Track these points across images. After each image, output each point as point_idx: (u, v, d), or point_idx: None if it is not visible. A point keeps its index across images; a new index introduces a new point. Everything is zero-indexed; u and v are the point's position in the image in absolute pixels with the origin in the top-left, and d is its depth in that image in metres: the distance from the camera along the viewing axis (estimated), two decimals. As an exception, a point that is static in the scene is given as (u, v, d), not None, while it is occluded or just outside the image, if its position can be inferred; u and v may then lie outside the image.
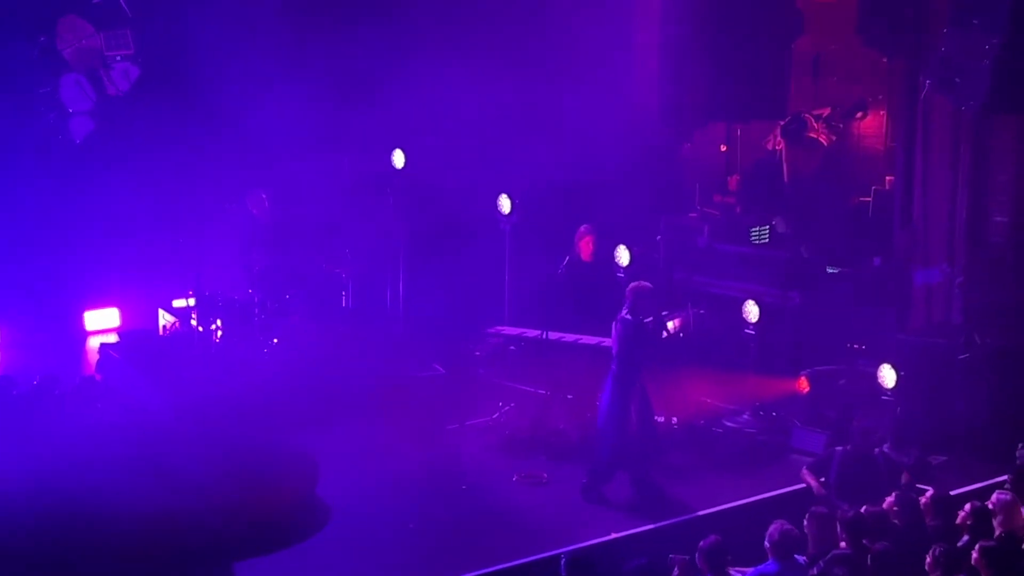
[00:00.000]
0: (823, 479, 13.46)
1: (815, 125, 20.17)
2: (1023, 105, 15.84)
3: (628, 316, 13.92)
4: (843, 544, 10.78)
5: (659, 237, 19.13)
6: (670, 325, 16.18)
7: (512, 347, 16.18)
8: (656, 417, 15.59)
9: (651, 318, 14.26)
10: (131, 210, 18.36)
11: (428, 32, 18.86)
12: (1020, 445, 13.23)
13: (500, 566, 12.38)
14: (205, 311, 17.16)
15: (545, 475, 14.66)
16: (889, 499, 11.51)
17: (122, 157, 18.39)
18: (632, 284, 14.17)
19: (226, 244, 17.71)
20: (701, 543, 10.34)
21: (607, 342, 14.92)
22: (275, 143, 18.32)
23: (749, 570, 10.67)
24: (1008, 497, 11.38)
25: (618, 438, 13.90)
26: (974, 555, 10.04)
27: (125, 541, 12.58)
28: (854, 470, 13.28)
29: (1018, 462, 12.78)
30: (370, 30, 18.85)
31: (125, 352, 17.46)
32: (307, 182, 18.66)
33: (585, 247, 16.13)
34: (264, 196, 17.59)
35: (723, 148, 21.05)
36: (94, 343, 18.37)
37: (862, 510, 11.11)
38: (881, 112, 20.23)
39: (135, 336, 18.16)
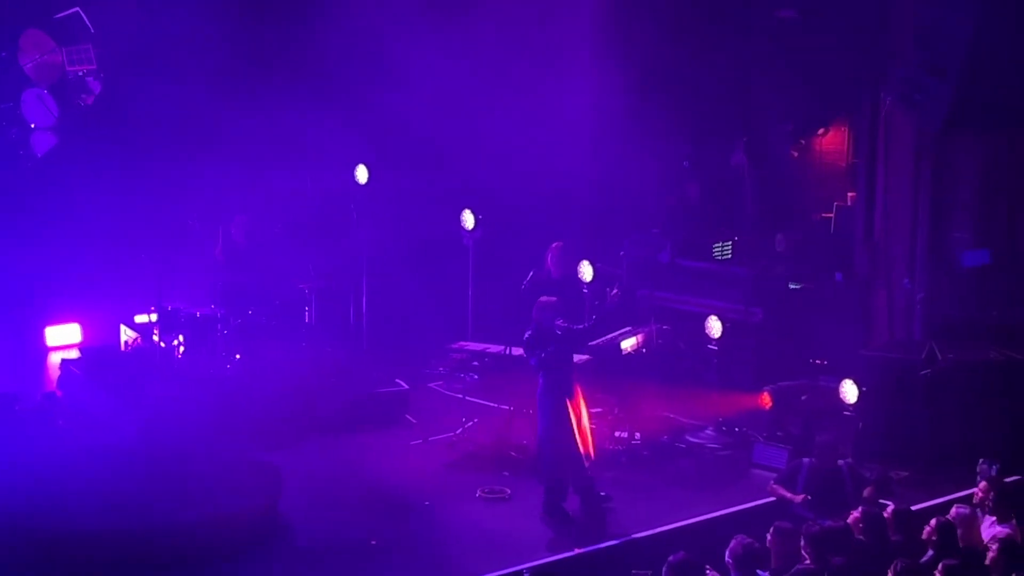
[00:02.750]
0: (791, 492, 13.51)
1: (777, 141, 20.26)
2: (984, 123, 15.95)
3: (528, 334, 13.97)
4: (807, 559, 10.79)
5: (622, 253, 19.17)
6: (630, 343, 16.19)
7: (475, 363, 16.16)
8: (619, 432, 15.65)
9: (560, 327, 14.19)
10: (92, 226, 18.30)
11: (392, 45, 18.86)
12: (981, 461, 13.32)
13: (463, 582, 12.40)
14: (167, 327, 17.11)
15: (508, 491, 14.65)
16: (855, 513, 11.54)
17: (83, 173, 18.32)
18: (538, 300, 14.18)
19: (189, 260, 17.67)
20: (670, 558, 10.32)
21: (576, 358, 14.91)
22: (238, 158, 18.29)
23: (711, 585, 10.69)
24: (967, 511, 11.44)
25: (559, 450, 13.88)
26: (938, 574, 10.07)
27: (84, 555, 12.55)
28: (820, 482, 13.32)
29: (980, 477, 12.85)
30: (334, 44, 18.84)
31: (87, 368, 17.38)
32: (271, 197, 18.62)
33: (555, 263, 16.13)
34: (245, 220, 17.59)
35: (685, 164, 21.11)
36: (55, 359, 18.28)
37: (827, 525, 11.13)
38: (843, 128, 20.34)
39: (97, 352, 18.07)
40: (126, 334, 18.23)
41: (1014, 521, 11.92)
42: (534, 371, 14.05)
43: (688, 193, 20.79)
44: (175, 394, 16.16)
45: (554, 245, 16.22)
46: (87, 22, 18.41)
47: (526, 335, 14.00)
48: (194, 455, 14.64)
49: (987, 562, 10.55)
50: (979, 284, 17.27)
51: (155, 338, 17.27)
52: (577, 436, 13.95)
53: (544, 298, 14.17)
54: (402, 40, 18.69)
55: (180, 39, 17.74)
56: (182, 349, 17.11)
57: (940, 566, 10.09)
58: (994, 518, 11.86)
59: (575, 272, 16.23)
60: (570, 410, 13.89)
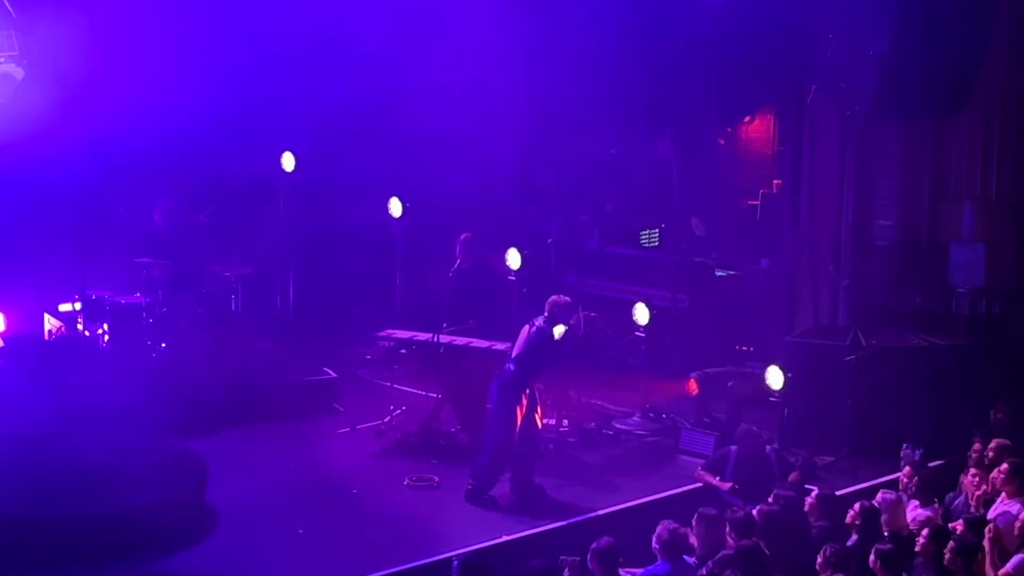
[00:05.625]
0: (717, 477, 13.58)
1: (704, 130, 20.35)
2: (908, 110, 16.10)
3: (544, 326, 14.08)
4: (731, 545, 10.85)
5: (550, 240, 19.19)
6: (559, 330, 16.24)
7: (403, 351, 16.14)
8: (546, 420, 15.68)
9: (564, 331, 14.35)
10: (14, 213, 18.08)
11: (320, 31, 18.76)
12: (905, 445, 13.46)
13: (391, 570, 12.34)
14: (92, 316, 16.96)
15: (436, 478, 14.64)
16: (770, 500, 11.63)
17: (3, 159, 18.09)
18: (552, 297, 14.35)
19: (114, 248, 17.51)
20: (594, 544, 10.38)
21: (498, 346, 15.03)
22: (164, 145, 18.13)
23: (639, 571, 10.73)
24: (893, 496, 11.56)
25: (502, 440, 13.96)
26: (871, 559, 10.16)
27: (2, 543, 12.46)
28: (748, 469, 13.42)
29: (903, 462, 12.99)
30: (262, 29, 18.72)
31: (9, 357, 17.19)
32: (198, 184, 18.48)
33: (464, 254, 16.20)
34: (167, 203, 17.47)
35: (612, 151, 21.16)
36: (-23, 348, 18.06)
37: (754, 511, 11.21)
38: (769, 117, 20.45)
39: (19, 340, 17.87)
40: (50, 323, 18.05)
41: (936, 504, 12.09)
42: (515, 360, 14.11)
43: (615, 180, 20.83)
44: (98, 383, 16.03)
45: (462, 237, 16.29)
46: (8, 7, 18.15)
47: (541, 335, 14.05)
48: (118, 444, 14.52)
49: (917, 548, 10.67)
50: (902, 271, 17.42)
51: (79, 327, 17.11)
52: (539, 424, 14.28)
53: (559, 296, 14.34)
54: (330, 26, 18.59)
55: (102, 23, 17.53)
56: (106, 338, 16.97)
57: (874, 552, 10.17)
58: (916, 501, 12.02)
59: (487, 261, 16.32)
60: (534, 402, 14.08)
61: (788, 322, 17.93)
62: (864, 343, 15.49)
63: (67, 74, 17.60)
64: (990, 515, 11.55)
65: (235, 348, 17.24)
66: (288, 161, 18.53)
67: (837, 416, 15.49)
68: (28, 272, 18.32)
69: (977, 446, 13.09)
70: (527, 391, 14.06)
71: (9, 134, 18.07)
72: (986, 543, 10.47)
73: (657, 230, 19.36)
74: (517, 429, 13.96)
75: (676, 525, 10.68)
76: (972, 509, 12.08)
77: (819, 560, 10.17)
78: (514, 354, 14.19)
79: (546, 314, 14.17)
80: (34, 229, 18.22)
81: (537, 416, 14.26)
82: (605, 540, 10.41)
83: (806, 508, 11.69)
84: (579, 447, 15.81)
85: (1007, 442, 12.83)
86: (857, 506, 11.21)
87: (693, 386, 16.55)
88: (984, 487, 12.26)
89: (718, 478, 13.57)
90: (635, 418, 16.54)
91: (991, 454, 12.72)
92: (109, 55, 17.52)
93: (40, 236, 18.16)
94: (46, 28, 17.81)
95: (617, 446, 16.01)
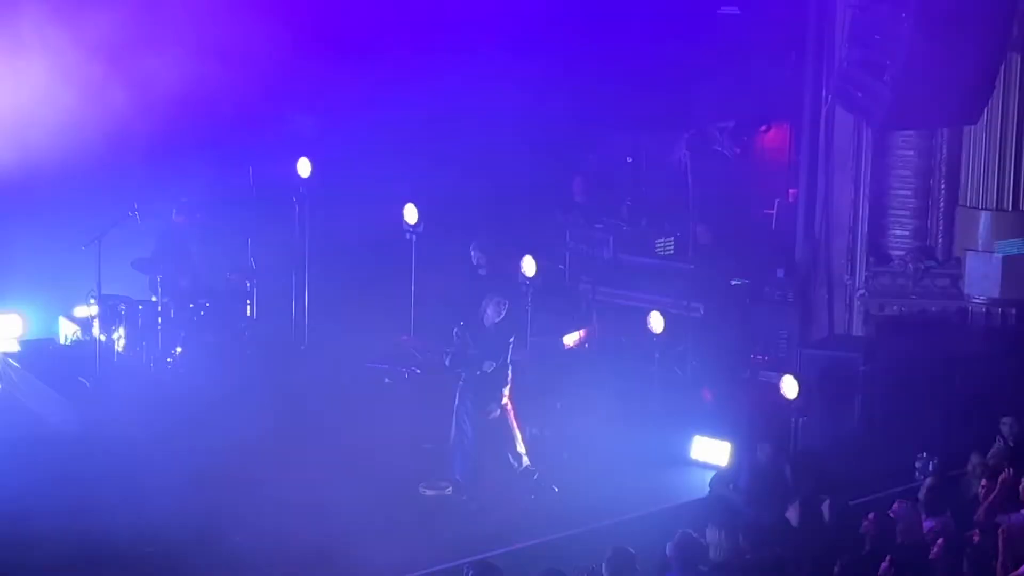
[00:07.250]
0: (731, 486, 13.57)
1: (719, 138, 20.33)
2: (923, 120, 16.09)
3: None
4: (748, 552, 10.84)
5: (565, 248, 19.19)
6: (572, 338, 16.29)
7: (418, 357, 16.16)
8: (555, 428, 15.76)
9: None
10: (31, 217, 18.14)
11: (333, 39, 18.80)
12: (919, 456, 13.43)
13: (405, 576, 12.39)
14: (107, 320, 16.99)
15: (449, 485, 14.65)
16: (792, 508, 11.62)
17: (20, 162, 18.15)
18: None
19: (130, 252, 17.53)
20: (607, 552, 10.34)
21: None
22: (178, 150, 18.17)
23: (652, 579, 10.73)
24: (908, 506, 11.54)
25: (464, 437, 14.35)
26: (884, 566, 10.15)
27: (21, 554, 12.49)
28: (761, 478, 13.40)
29: (918, 473, 12.98)
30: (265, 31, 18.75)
31: (26, 361, 17.25)
32: (212, 191, 18.50)
33: (478, 260, 16.37)
34: (187, 202, 17.58)
35: (629, 160, 21.17)
36: (-7, 352, 18.11)
37: (768, 520, 11.21)
38: (785, 126, 20.45)
39: (36, 345, 17.94)
40: (66, 327, 18.10)
41: (948, 512, 12.05)
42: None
43: (631, 188, 20.84)
44: (112, 389, 16.07)
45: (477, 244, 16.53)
46: None
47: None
48: (131, 449, 14.56)
49: (931, 556, 10.66)
50: (918, 281, 17.42)
51: (95, 331, 17.14)
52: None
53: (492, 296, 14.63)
54: (345, 32, 18.64)
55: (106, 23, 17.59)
56: (122, 343, 16.99)
57: (887, 559, 10.16)
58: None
59: (502, 269, 16.47)
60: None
61: (803, 332, 17.91)
62: (879, 352, 15.48)
63: (83, 73, 17.66)
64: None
65: (249, 354, 17.28)
66: (304, 167, 18.54)
67: (851, 426, 15.47)
68: (45, 276, 18.37)
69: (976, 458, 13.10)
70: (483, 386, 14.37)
71: (23, 137, 18.17)
72: (1000, 544, 10.46)
73: (672, 238, 19.34)
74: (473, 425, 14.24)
75: (691, 534, 10.66)
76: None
77: (835, 570, 10.16)
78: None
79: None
80: (49, 232, 18.28)
81: (510, 413, 14.45)
82: (618, 548, 10.39)
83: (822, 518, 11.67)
84: (593, 455, 15.79)
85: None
86: (872, 516, 11.20)
87: (707, 395, 16.53)
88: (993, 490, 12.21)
89: (731, 487, 13.56)
90: (648, 426, 16.52)
91: (993, 461, 12.71)
92: (120, 51, 17.58)
93: (56, 239, 18.21)
94: (58, 26, 17.91)
95: (630, 454, 15.99)
